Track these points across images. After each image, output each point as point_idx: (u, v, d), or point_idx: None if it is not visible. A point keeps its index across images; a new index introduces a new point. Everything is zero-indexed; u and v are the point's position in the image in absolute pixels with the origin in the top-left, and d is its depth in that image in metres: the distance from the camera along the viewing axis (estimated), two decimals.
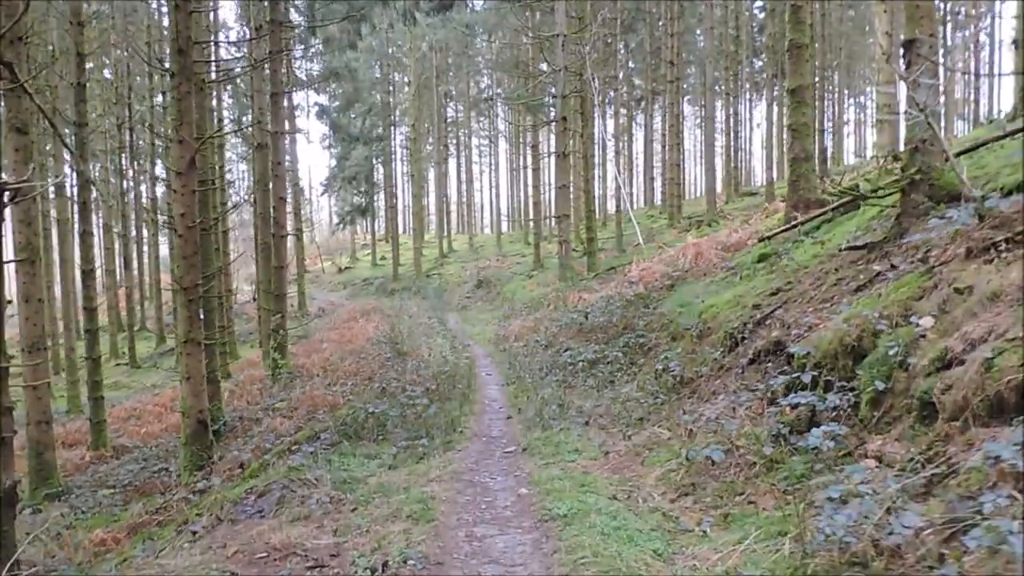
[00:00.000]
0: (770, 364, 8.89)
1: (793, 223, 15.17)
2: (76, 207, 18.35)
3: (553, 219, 33.18)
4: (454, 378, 14.10)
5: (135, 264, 38.53)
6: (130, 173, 37.57)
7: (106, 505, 12.70)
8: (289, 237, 44.58)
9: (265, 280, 23.22)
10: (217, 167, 29.11)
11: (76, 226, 19.37)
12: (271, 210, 21.47)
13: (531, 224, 41.58)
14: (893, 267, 8.52)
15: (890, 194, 10.57)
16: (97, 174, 37.27)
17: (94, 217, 38.52)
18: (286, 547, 6.52)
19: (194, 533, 7.52)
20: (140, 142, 37.61)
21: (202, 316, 12.27)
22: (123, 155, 35.01)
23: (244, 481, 9.45)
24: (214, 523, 7.71)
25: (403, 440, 10.38)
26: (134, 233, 38.95)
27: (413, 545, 5.95)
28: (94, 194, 37.68)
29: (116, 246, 37.19)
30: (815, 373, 7.07)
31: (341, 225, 53.24)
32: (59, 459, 17.69)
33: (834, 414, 6.52)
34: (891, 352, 6.34)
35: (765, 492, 6.17)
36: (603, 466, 8.04)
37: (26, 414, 13.93)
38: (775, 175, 33.47)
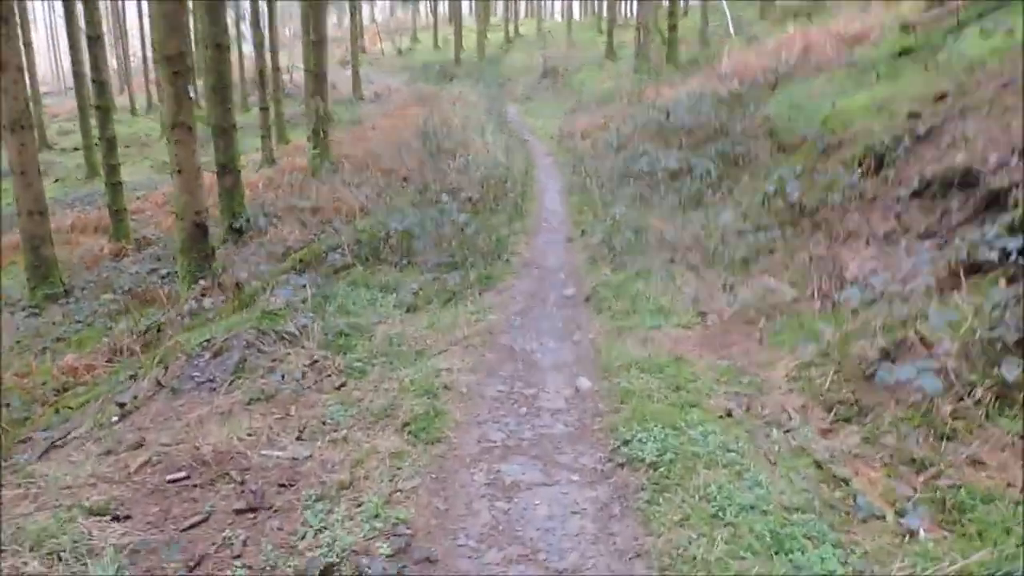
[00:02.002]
0: (953, 202, 5.87)
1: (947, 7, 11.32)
2: None
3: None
4: (506, 183, 11.26)
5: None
6: None
7: (101, 314, 10.66)
8: (346, 15, 40.28)
9: (306, 57, 20.10)
10: None
11: None
12: None
13: (605, 8, 36.66)
14: None
15: None
16: None
17: None
18: (221, 459, 4.13)
19: (121, 406, 5.18)
20: None
21: (192, 94, 9.47)
22: None
23: (224, 317, 7.08)
24: (153, 390, 5.35)
25: (433, 265, 7.82)
26: None
27: (396, 499, 3.46)
28: None
29: None
30: None
31: (401, 2, 48.41)
32: (79, 249, 15.83)
33: None
34: None
35: (1003, 447, 3.45)
36: (701, 341, 5.36)
37: (15, 203, 11.70)
38: None
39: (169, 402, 5.08)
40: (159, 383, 5.36)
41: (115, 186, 15.19)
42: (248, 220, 12.86)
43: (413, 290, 6.99)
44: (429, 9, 54.62)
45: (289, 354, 5.48)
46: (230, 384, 5.14)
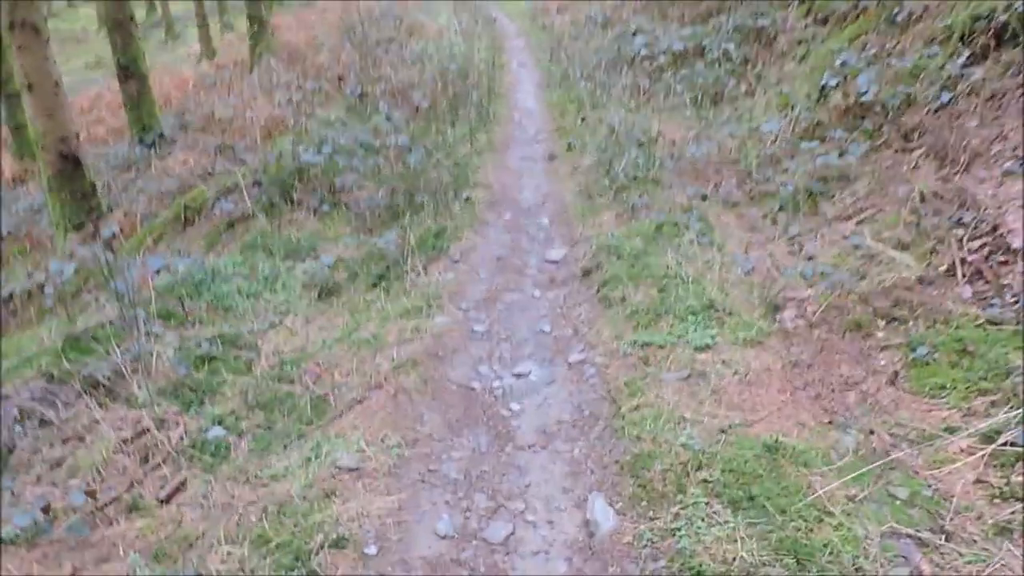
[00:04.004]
0: None
1: None
2: None
3: None
4: (467, 79, 8.58)
5: None
6: None
7: None
8: None
9: None
10: None
11: None
12: None
13: None
14: None
15: None
16: None
17: None
18: None
19: None
20: None
21: None
22: None
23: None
24: None
25: (366, 209, 5.39)
26: None
27: None
28: None
29: None
30: None
31: None
32: None
33: None
34: None
35: None
36: (790, 376, 3.02)
37: None
38: None
39: None
40: None
41: (11, 98, 12.26)
42: (162, 135, 10.14)
43: (330, 261, 4.57)
44: None
45: (98, 422, 3.13)
46: None
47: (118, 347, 3.54)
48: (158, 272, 4.32)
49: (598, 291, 3.90)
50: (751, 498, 2.23)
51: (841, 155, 4.90)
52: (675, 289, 3.59)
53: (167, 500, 2.77)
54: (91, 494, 2.69)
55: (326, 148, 5.86)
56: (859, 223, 4.26)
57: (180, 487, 2.84)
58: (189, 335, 3.84)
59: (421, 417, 2.99)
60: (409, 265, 4.41)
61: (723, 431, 2.61)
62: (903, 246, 3.80)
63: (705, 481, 2.34)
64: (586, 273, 4.20)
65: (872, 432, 2.62)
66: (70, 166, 7.17)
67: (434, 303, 3.95)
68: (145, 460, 3.00)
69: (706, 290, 3.57)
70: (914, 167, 4.53)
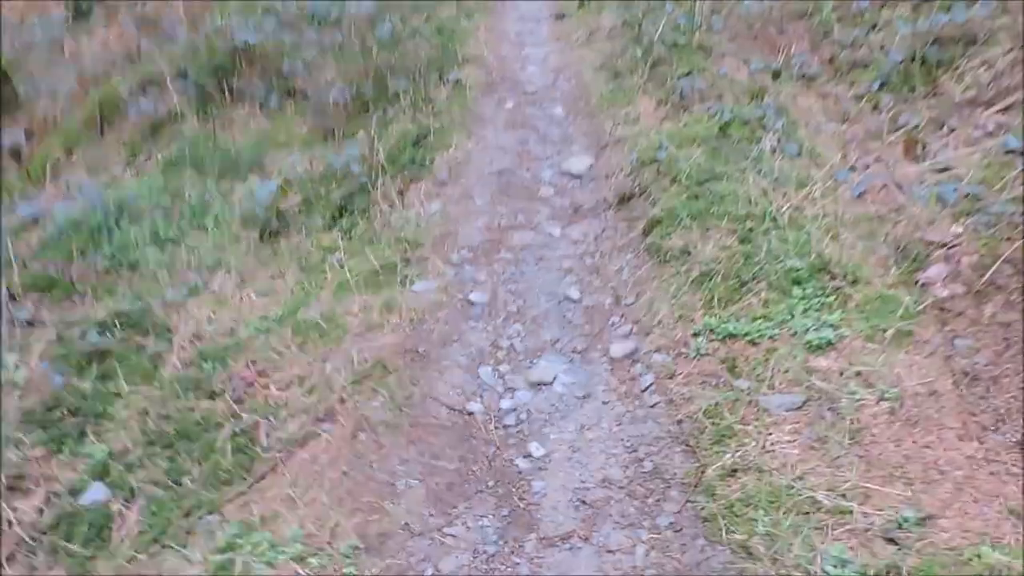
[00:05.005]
0: None
1: None
2: None
3: None
4: None
5: None
6: None
7: None
8: None
9: None
10: None
11: None
12: None
13: None
14: None
15: None
16: None
17: None
18: None
19: None
20: None
21: None
22: None
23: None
24: None
25: (326, 100, 4.09)
26: None
27: None
28: None
29: None
30: None
31: None
32: None
33: None
34: None
35: None
36: (965, 409, 1.88)
37: None
38: None
39: None
40: None
41: None
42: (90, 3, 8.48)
43: (274, 187, 3.34)
44: None
45: None
46: None
47: None
48: (36, 221, 3.13)
49: (645, 234, 2.70)
50: None
51: (967, 12, 3.52)
52: (765, 237, 2.40)
53: None
54: None
55: (268, 21, 4.44)
56: (1004, 111, 2.99)
57: None
58: (75, 317, 2.71)
59: (393, 482, 1.91)
60: (379, 191, 3.20)
61: (893, 540, 1.52)
62: None
63: None
64: (623, 200, 2.98)
65: None
66: None
67: (413, 255, 2.78)
68: None
69: (811, 237, 2.38)
70: None
